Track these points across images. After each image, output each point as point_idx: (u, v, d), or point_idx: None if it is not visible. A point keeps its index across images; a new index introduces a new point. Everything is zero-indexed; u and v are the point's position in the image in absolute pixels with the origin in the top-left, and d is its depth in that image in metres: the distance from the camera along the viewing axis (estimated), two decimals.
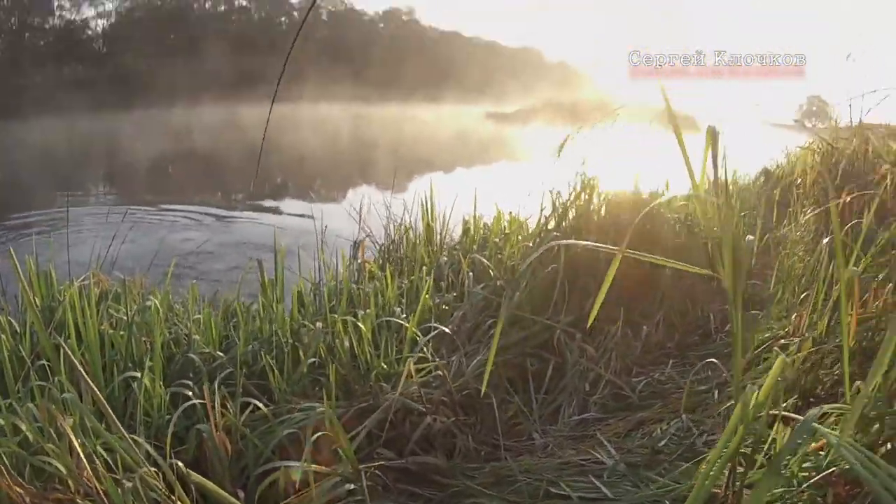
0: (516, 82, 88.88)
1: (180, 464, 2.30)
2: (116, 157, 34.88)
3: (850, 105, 6.59)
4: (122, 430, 2.18)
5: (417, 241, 5.82)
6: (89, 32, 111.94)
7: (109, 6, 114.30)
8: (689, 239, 4.89)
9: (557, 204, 5.05)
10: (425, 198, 6.15)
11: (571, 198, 5.05)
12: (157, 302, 3.66)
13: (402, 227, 6.02)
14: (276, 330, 3.57)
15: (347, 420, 2.85)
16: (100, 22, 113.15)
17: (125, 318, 3.54)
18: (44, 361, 3.06)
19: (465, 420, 3.19)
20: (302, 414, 2.83)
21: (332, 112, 66.05)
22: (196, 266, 9.16)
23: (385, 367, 3.44)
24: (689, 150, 2.24)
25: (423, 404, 3.06)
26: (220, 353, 3.46)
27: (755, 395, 1.83)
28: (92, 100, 76.99)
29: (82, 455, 2.18)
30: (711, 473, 1.77)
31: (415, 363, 3.24)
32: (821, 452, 2.22)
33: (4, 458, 2.28)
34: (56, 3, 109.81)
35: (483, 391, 2.98)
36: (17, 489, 2.15)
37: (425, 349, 3.49)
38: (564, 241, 4.06)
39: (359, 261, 5.16)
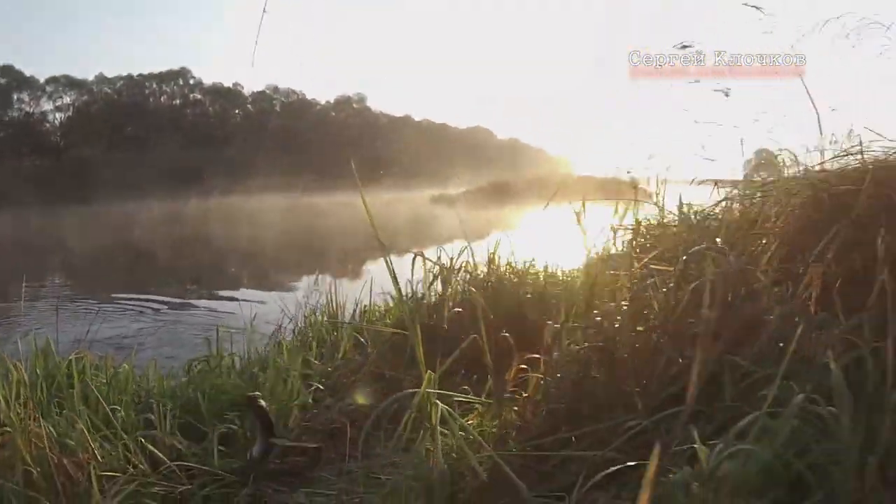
0: (465, 163, 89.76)
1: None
2: (71, 250, 35.96)
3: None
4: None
5: (321, 323, 7.48)
6: (47, 125, 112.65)
7: (67, 99, 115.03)
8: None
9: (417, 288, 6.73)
10: (330, 287, 7.87)
11: (429, 284, 6.68)
12: (127, 367, 5.42)
13: (312, 311, 7.74)
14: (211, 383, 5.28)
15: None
16: (58, 115, 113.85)
17: (104, 380, 5.21)
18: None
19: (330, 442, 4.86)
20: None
21: (283, 201, 66.44)
22: (150, 346, 10.38)
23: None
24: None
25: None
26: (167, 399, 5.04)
27: None
28: (49, 192, 77.37)
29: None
30: None
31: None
32: None
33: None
34: (15, 96, 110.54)
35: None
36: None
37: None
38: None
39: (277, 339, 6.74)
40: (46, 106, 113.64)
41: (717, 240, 4.40)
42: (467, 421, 3.57)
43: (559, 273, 7.21)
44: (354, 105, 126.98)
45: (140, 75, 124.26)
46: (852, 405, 2.49)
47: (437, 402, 3.26)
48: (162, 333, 12.07)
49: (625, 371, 3.49)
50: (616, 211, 6.15)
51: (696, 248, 3.97)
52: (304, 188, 79.37)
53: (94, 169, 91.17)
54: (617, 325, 3.79)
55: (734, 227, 4.80)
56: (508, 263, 7.30)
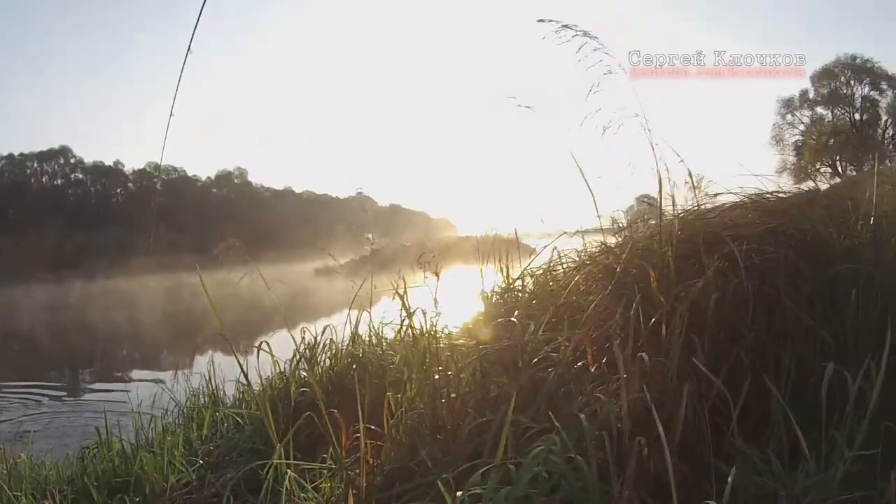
0: (350, 232, 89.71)
1: None
2: None
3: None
4: None
5: (204, 405, 7.95)
6: None
7: None
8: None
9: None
10: (210, 370, 8.37)
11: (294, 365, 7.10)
12: (24, 458, 5.98)
13: (194, 394, 8.25)
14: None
15: None
16: None
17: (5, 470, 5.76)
18: None
19: None
20: None
21: (166, 282, 65.71)
22: (45, 435, 10.65)
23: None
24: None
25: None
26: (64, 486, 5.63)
27: None
28: None
29: None
30: None
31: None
32: None
33: None
34: None
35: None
36: None
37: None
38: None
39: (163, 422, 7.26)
40: None
41: (515, 313, 5.16)
42: (320, 484, 4.21)
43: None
44: (235, 180, 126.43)
45: (21, 155, 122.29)
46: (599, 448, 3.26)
47: (288, 470, 3.90)
48: (55, 422, 12.39)
49: (443, 432, 4.19)
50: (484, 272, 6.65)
51: (500, 319, 4.72)
52: (187, 267, 78.70)
53: None
54: (439, 393, 4.50)
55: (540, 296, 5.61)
56: (377, 333, 7.78)
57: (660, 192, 4.95)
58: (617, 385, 3.65)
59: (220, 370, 8.53)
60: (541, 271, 6.26)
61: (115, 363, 24.75)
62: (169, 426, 7.23)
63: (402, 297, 5.69)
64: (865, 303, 4.26)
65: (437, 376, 4.72)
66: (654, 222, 5.32)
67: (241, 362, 7.40)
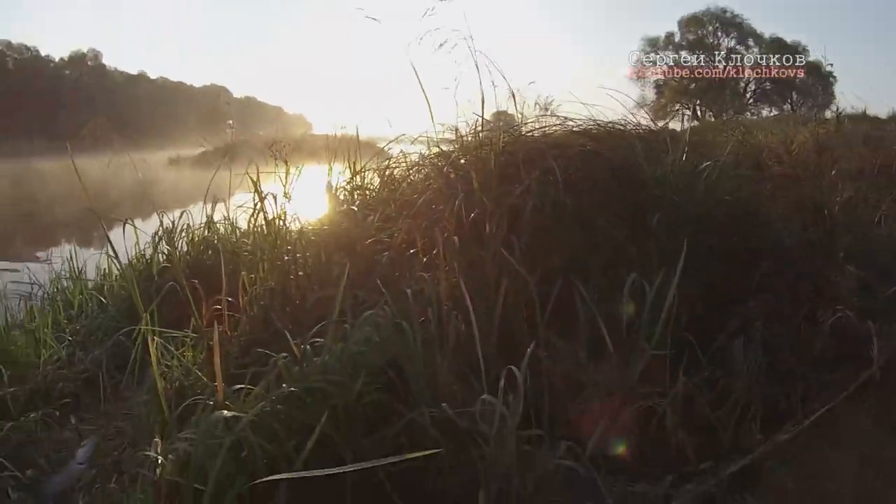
0: (204, 122, 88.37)
1: None
2: None
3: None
4: None
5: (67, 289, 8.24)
6: None
7: None
8: None
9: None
10: (72, 259, 8.54)
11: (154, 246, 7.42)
12: None
13: (58, 278, 8.42)
14: None
15: None
16: None
17: None
18: None
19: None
20: None
21: (16, 167, 63.63)
22: None
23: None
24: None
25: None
26: None
27: None
28: None
29: None
30: None
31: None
32: None
33: None
34: None
35: None
36: None
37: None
38: None
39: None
40: None
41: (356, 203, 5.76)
42: (183, 352, 4.68)
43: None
44: (89, 62, 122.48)
45: None
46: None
47: (155, 337, 4.30)
48: None
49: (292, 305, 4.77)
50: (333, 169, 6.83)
51: (342, 208, 5.26)
52: (37, 153, 76.26)
53: None
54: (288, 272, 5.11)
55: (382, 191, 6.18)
56: (230, 223, 8.09)
57: (482, 107, 5.86)
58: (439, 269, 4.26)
59: (79, 255, 8.76)
60: (385, 169, 6.73)
61: None
62: (35, 308, 7.41)
63: (254, 183, 6.09)
64: (668, 225, 4.83)
65: (286, 257, 5.23)
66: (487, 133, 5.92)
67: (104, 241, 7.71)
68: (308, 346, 3.75)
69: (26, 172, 55.31)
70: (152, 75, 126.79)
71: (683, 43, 71.18)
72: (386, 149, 7.36)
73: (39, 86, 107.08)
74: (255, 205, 6.34)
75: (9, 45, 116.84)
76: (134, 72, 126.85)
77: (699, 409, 3.92)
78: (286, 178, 6.41)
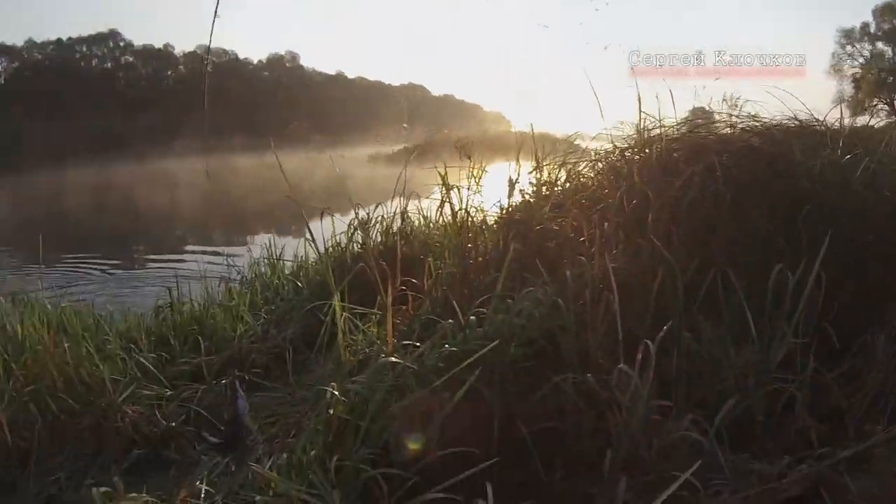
0: (402, 120, 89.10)
1: None
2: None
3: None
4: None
5: (267, 274, 8.87)
6: None
7: None
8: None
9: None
10: (271, 247, 9.26)
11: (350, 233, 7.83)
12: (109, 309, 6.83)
13: (255, 263, 9.09)
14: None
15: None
16: None
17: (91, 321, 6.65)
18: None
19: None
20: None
21: (221, 162, 65.23)
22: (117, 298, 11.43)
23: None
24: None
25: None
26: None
27: None
28: None
29: None
30: None
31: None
32: None
33: None
34: None
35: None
36: None
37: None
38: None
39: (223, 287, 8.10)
40: None
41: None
42: (368, 328, 5.06)
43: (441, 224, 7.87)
44: (287, 64, 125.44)
45: (70, 39, 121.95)
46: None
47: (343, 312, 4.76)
48: (123, 291, 13.23)
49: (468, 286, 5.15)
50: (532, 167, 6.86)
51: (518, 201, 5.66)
52: (238, 150, 78.17)
53: (28, 136, 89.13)
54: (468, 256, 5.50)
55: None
56: (425, 216, 8.45)
57: (639, 108, 6.25)
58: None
59: (277, 244, 9.44)
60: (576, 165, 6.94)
61: (177, 240, 25.45)
62: (233, 289, 8.05)
63: (442, 177, 6.51)
64: (818, 217, 4.99)
65: (469, 245, 5.64)
66: (657, 131, 6.19)
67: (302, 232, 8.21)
68: (473, 317, 4.13)
69: (229, 168, 56.96)
70: (350, 75, 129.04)
71: (879, 33, 69.41)
72: (571, 144, 7.56)
73: (238, 87, 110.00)
74: (442, 198, 6.72)
75: (207, 49, 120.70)
76: (332, 72, 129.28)
77: (833, 399, 4.09)
78: (473, 172, 6.74)
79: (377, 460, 3.43)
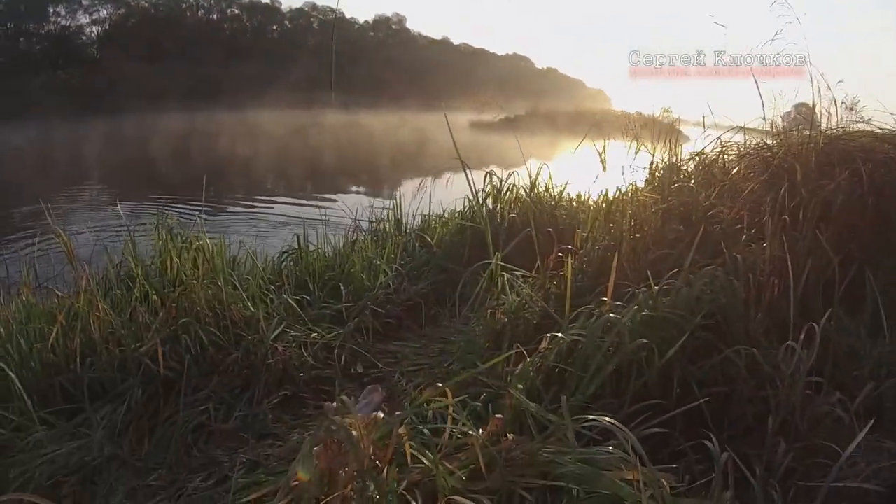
0: (504, 90, 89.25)
1: None
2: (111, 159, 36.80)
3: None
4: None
5: (390, 228, 8.92)
6: (83, 38, 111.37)
7: (104, 13, 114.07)
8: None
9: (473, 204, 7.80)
10: (397, 199, 9.33)
11: (485, 197, 7.90)
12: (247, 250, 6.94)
13: (380, 218, 9.21)
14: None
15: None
16: (94, 28, 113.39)
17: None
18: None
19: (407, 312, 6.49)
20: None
21: (325, 118, 65.70)
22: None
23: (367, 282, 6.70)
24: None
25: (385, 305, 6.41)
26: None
27: None
28: (85, 104, 77.19)
29: None
30: None
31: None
32: None
33: None
34: (51, 10, 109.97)
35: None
36: None
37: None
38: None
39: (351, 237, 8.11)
40: (83, 19, 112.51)
41: (692, 182, 6.24)
42: (520, 289, 5.13)
43: (585, 199, 8.41)
44: (393, 26, 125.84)
45: None
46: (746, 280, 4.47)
47: (503, 272, 4.85)
48: (253, 230, 13.39)
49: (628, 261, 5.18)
50: (643, 149, 7.23)
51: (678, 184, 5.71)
52: (350, 104, 78.73)
53: (132, 81, 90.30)
54: (623, 233, 5.49)
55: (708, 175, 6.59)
56: (547, 188, 8.52)
57: (812, 111, 6.70)
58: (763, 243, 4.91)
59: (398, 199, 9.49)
60: (712, 155, 7.16)
61: (296, 187, 25.75)
62: (367, 239, 8.09)
63: (600, 154, 6.56)
64: None
65: (628, 222, 5.72)
66: (806, 132, 6.48)
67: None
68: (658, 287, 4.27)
69: (341, 123, 57.02)
70: (455, 41, 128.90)
71: None
72: (691, 135, 7.81)
73: (343, 45, 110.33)
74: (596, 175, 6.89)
75: (314, 6, 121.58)
76: (437, 37, 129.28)
77: None
78: (602, 151, 6.84)
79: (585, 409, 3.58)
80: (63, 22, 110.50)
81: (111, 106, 76.90)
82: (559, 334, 4.01)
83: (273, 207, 19.51)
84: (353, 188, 24.09)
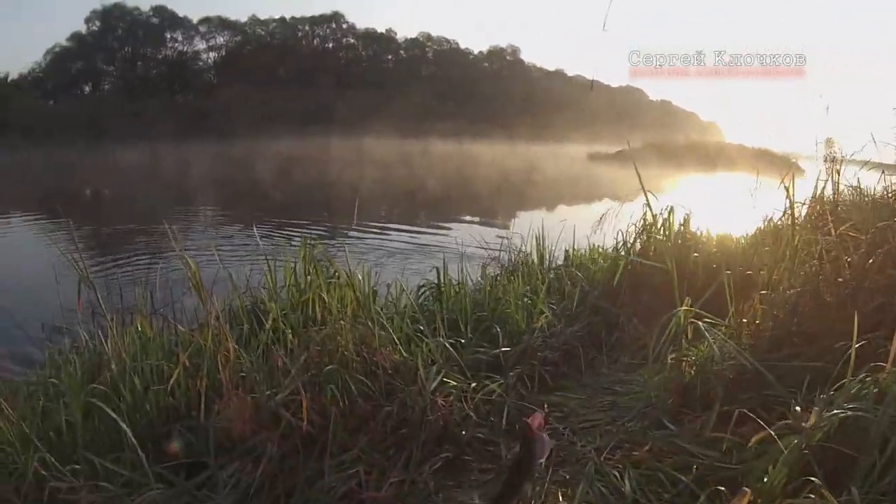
0: (618, 122, 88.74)
1: None
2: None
3: None
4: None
5: (532, 262, 8.47)
6: (200, 64, 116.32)
7: (220, 40, 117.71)
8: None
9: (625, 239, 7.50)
10: (539, 232, 8.79)
11: (636, 235, 7.48)
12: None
13: (518, 251, 8.68)
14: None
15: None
16: (211, 54, 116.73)
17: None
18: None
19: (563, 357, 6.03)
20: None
21: (441, 148, 66.21)
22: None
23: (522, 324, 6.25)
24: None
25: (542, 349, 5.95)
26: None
27: None
28: (200, 127, 79.17)
29: None
30: None
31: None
32: None
33: None
34: (168, 35, 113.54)
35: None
36: None
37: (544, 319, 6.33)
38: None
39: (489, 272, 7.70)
40: (199, 45, 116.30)
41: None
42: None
43: (726, 237, 7.70)
44: (507, 57, 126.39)
45: (293, 18, 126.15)
46: None
47: (694, 320, 4.38)
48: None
49: (827, 310, 4.58)
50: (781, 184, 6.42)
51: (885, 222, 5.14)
52: (464, 133, 79.33)
53: (248, 107, 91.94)
54: (820, 277, 4.88)
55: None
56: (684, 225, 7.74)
57: None
58: None
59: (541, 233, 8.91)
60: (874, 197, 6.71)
61: (425, 216, 25.84)
62: (507, 278, 7.60)
63: (786, 189, 6.01)
64: None
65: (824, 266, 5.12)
66: None
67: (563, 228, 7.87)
68: None
69: (449, 152, 57.44)
70: (569, 73, 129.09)
71: None
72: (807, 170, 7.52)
73: (458, 75, 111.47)
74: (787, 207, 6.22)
75: (429, 37, 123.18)
76: (551, 68, 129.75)
77: None
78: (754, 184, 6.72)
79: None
80: (180, 47, 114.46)
81: (226, 130, 79.10)
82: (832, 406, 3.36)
83: (388, 234, 18.94)
84: (467, 217, 23.82)
